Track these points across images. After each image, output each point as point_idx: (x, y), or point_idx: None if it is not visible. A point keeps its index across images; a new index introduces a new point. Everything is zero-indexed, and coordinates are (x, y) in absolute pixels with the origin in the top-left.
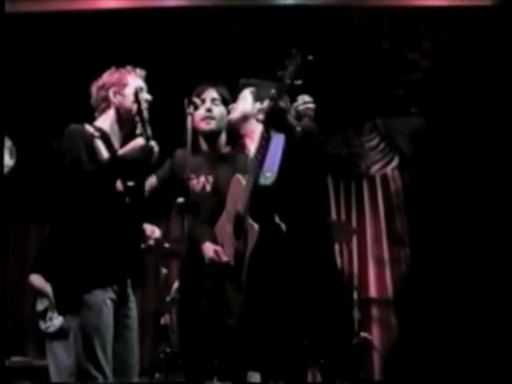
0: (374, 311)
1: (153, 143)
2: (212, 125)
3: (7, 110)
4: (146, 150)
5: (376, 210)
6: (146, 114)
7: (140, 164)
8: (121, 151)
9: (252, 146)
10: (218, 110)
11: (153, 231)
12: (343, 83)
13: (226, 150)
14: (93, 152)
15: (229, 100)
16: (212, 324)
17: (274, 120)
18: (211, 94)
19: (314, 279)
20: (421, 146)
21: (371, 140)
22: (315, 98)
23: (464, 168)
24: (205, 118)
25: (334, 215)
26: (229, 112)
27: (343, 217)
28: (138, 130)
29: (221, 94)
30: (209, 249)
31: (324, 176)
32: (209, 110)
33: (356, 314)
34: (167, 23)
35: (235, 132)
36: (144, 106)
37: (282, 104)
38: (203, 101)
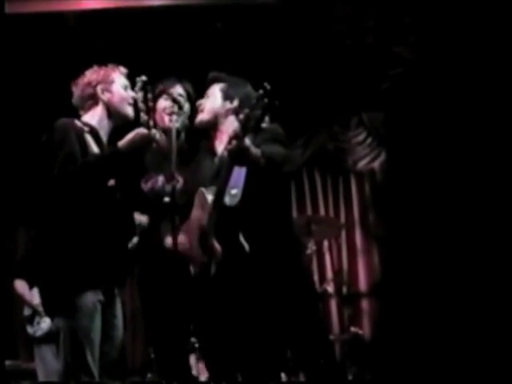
0: (365, 305)
1: (154, 131)
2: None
3: None
4: (147, 139)
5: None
6: (151, 104)
7: (139, 153)
8: (120, 142)
9: (219, 148)
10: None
11: (140, 220)
12: (328, 78)
13: (186, 147)
14: (84, 146)
15: (193, 96)
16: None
17: (237, 158)
18: (178, 90)
19: (279, 298)
20: (407, 140)
21: (358, 135)
22: (301, 93)
23: (450, 161)
24: (170, 114)
25: (322, 210)
26: (195, 109)
27: (331, 212)
28: (142, 119)
29: (186, 91)
30: (169, 240)
31: (287, 193)
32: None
33: (346, 309)
34: (151, 22)
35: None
36: (149, 96)
37: (247, 142)
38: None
